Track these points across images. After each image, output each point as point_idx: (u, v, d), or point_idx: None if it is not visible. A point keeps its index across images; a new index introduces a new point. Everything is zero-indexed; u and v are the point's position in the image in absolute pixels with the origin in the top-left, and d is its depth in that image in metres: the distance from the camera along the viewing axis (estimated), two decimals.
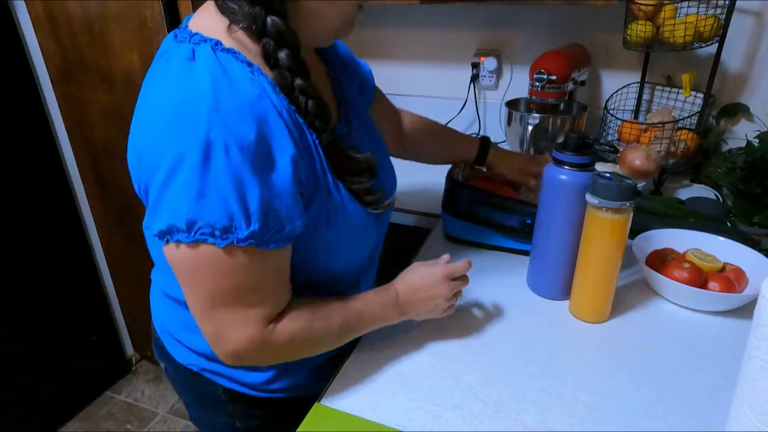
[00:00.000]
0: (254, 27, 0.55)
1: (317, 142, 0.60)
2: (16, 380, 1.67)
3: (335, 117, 0.69)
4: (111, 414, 1.89)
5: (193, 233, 0.51)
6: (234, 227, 0.52)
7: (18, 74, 1.55)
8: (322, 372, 0.77)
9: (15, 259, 1.61)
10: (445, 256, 0.73)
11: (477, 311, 0.81)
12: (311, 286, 0.69)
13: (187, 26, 0.59)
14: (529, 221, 0.91)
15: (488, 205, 0.94)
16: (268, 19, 0.54)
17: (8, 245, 1.58)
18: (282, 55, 0.55)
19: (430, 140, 1.04)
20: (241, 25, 0.55)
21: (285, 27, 0.55)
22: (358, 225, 0.66)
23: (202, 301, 0.57)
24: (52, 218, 1.71)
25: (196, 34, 0.56)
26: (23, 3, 1.49)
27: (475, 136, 1.06)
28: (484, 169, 1.05)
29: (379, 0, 1.42)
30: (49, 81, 1.59)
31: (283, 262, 0.60)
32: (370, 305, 0.69)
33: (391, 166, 0.79)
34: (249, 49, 0.57)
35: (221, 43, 0.55)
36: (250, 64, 0.56)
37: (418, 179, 1.27)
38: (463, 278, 0.73)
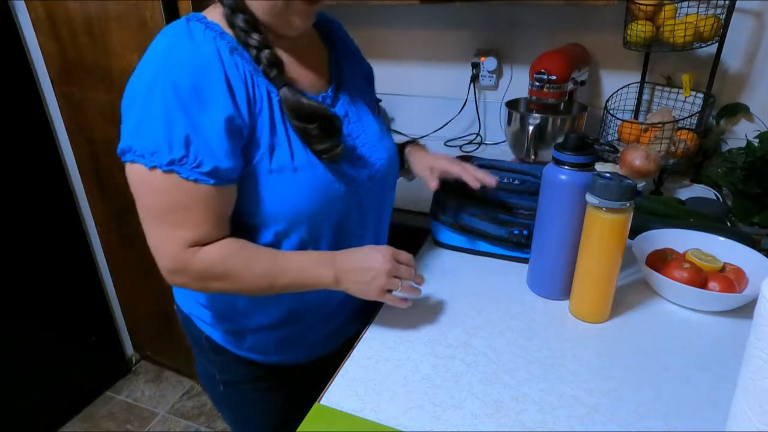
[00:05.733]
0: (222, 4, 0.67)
1: (276, 97, 0.67)
2: (17, 380, 1.67)
3: (322, 86, 0.76)
4: (111, 414, 1.89)
5: (131, 154, 0.62)
6: (158, 152, 0.61)
7: (18, 74, 1.55)
8: (285, 345, 0.83)
9: (15, 258, 1.61)
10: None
11: (477, 311, 0.81)
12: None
13: None
14: (516, 232, 0.90)
15: (474, 215, 0.93)
16: None
17: (8, 245, 1.58)
18: (237, 19, 0.66)
19: None
20: (215, 3, 0.69)
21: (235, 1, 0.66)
22: (312, 181, 0.69)
23: (143, 215, 0.67)
24: (52, 218, 1.71)
25: (194, 14, 0.68)
26: (23, 3, 1.49)
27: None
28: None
29: (379, 0, 1.42)
30: (49, 81, 1.59)
31: (214, 201, 0.65)
32: (303, 255, 0.71)
33: (385, 149, 0.81)
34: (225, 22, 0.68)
35: (205, 18, 0.67)
36: (222, 34, 0.66)
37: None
38: (408, 269, 0.72)
